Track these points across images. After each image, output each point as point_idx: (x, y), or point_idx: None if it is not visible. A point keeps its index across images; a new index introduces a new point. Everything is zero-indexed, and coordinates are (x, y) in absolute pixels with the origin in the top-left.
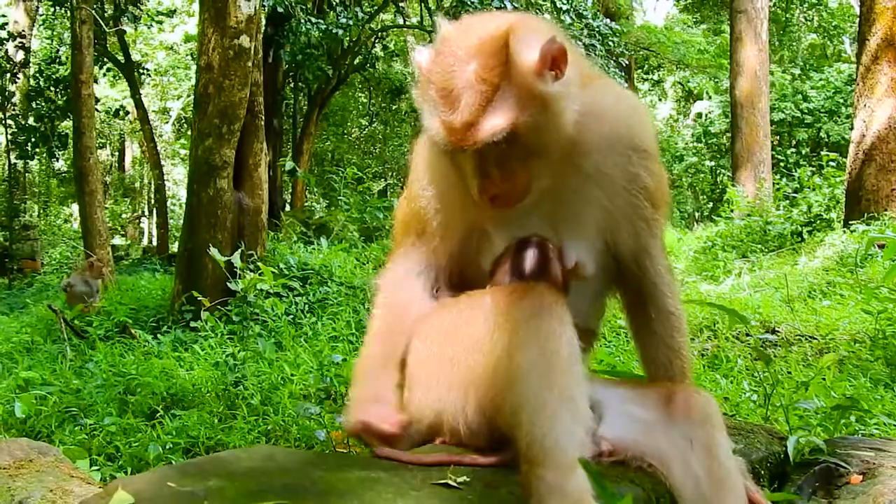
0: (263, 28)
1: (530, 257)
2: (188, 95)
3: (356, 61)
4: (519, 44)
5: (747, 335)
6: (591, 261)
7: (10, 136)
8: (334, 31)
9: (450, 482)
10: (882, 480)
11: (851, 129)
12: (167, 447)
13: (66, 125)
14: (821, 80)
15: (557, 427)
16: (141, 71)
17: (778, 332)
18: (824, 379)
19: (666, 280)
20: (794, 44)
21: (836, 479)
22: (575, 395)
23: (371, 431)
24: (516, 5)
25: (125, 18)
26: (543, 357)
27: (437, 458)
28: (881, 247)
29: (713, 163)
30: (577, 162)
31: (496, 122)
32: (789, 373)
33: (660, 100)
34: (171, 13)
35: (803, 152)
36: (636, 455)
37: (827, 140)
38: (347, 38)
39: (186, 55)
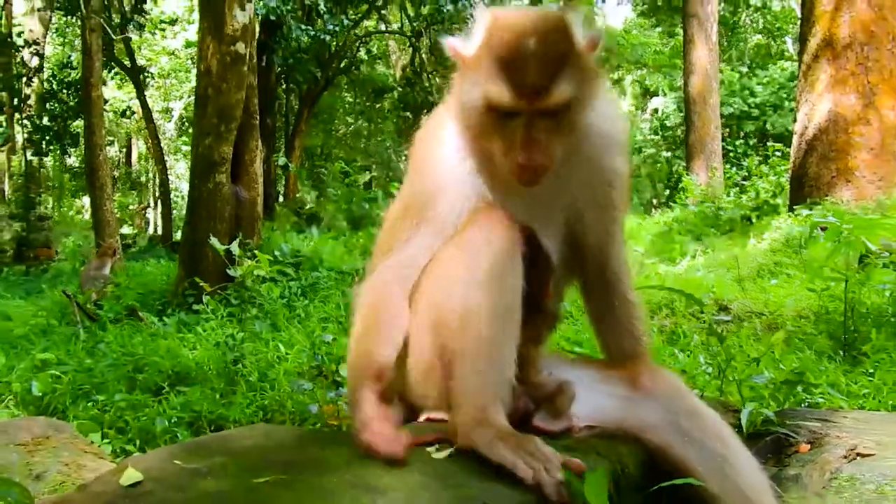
0: (257, 35)
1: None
2: (189, 97)
3: (342, 64)
4: (575, 26)
5: (702, 313)
6: (556, 249)
7: (26, 135)
8: (322, 37)
9: (434, 455)
10: (828, 449)
11: (795, 121)
12: (172, 421)
13: (78, 124)
14: (766, 77)
15: (480, 374)
16: (145, 74)
17: (730, 309)
18: (773, 353)
19: (625, 270)
20: (742, 44)
21: (785, 448)
22: (504, 348)
23: (380, 456)
24: None
25: (131, 26)
26: (490, 302)
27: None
28: (823, 229)
29: (669, 154)
30: (578, 143)
31: (564, 88)
32: (741, 347)
33: (620, 97)
34: (173, 21)
35: (751, 143)
36: (616, 427)
37: (772, 132)
38: (334, 44)
39: (187, 59)
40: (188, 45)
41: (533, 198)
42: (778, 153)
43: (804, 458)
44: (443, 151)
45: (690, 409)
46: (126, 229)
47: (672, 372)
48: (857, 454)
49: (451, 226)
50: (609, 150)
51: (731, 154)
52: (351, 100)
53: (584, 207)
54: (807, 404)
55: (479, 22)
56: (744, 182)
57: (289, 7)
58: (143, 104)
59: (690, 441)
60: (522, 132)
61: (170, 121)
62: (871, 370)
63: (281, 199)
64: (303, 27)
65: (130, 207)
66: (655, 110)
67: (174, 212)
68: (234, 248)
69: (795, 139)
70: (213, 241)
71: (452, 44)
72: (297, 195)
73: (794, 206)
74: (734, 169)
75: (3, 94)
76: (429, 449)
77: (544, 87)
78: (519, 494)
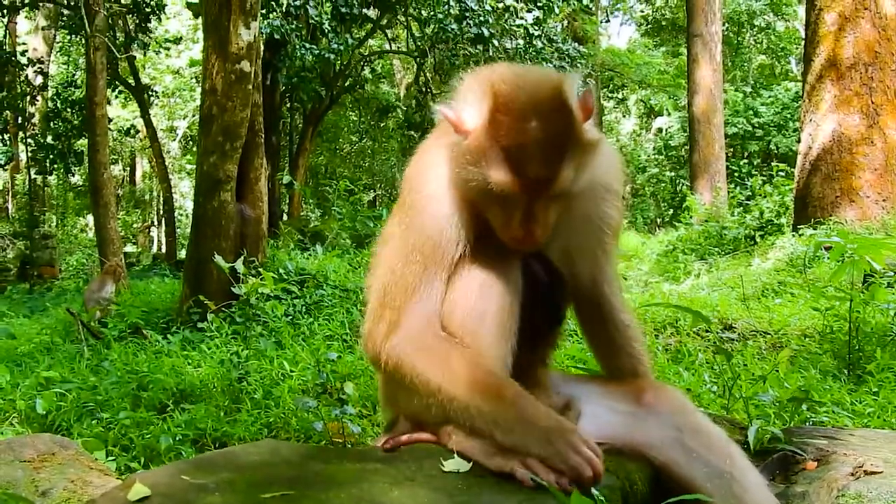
0: (262, 53)
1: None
2: (193, 115)
3: (347, 83)
4: (572, 99)
5: (707, 331)
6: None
7: (30, 154)
8: (326, 55)
9: (445, 470)
10: (835, 466)
11: (799, 141)
12: (177, 438)
13: (82, 143)
14: (770, 97)
15: None
16: (150, 93)
17: (734, 328)
18: (778, 371)
19: (620, 297)
20: (746, 64)
21: (793, 465)
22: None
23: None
24: (493, 31)
25: (135, 45)
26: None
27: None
28: (827, 249)
29: (673, 173)
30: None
31: (568, 174)
32: (745, 365)
33: (624, 116)
34: (177, 40)
35: (755, 163)
36: (622, 444)
37: (776, 152)
38: (339, 62)
39: (191, 78)
40: (192, 63)
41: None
42: (782, 173)
43: (811, 475)
44: (442, 186)
45: (695, 425)
46: (130, 247)
47: (675, 388)
48: (865, 472)
49: (456, 258)
50: (603, 201)
51: (736, 174)
52: (355, 118)
53: (575, 252)
54: (812, 423)
55: (475, 89)
56: (748, 202)
57: (293, 26)
58: (148, 123)
59: (696, 458)
60: (522, 211)
61: (174, 139)
62: (876, 389)
63: (285, 217)
64: (307, 46)
65: (134, 226)
66: (660, 130)
67: (178, 230)
68: (239, 265)
69: (799, 159)
70: (218, 258)
71: (448, 114)
72: (302, 213)
73: (798, 226)
74: (738, 188)
75: (7, 112)
76: (443, 463)
77: (550, 179)
78: None
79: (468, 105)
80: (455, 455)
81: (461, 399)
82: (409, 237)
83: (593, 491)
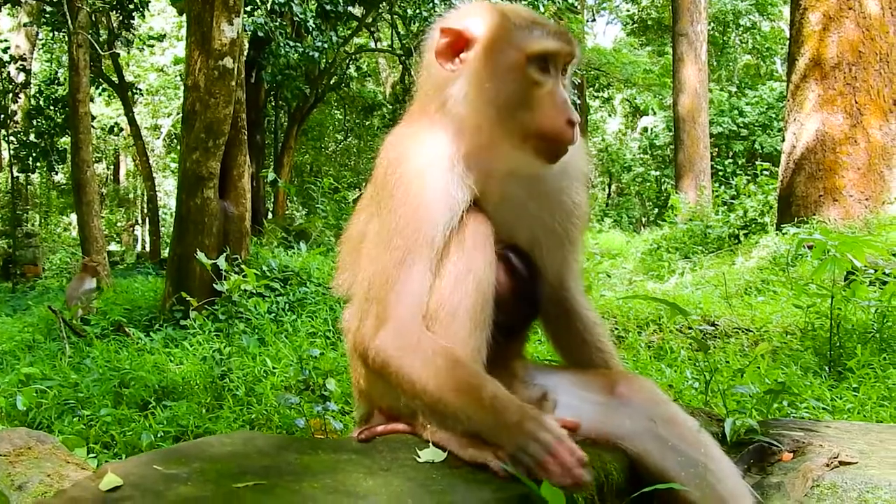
0: (246, 51)
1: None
2: (178, 113)
3: (332, 81)
4: None
5: (689, 328)
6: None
7: (12, 152)
8: (311, 53)
9: (420, 460)
10: (811, 458)
11: (783, 141)
12: (158, 435)
13: (65, 141)
14: (755, 96)
15: None
16: (134, 91)
17: (717, 325)
18: (759, 367)
19: (584, 295)
20: (731, 64)
21: (769, 456)
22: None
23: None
24: None
25: (118, 42)
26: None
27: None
28: (810, 247)
29: (658, 172)
30: (538, 178)
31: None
32: (727, 362)
33: (609, 115)
34: (161, 37)
35: (739, 162)
36: (597, 434)
37: (761, 151)
38: (324, 60)
39: (175, 76)
40: (177, 61)
41: (500, 223)
42: (766, 172)
43: (787, 466)
44: (427, 164)
45: (668, 416)
46: (114, 246)
47: (649, 379)
48: (840, 462)
49: (440, 244)
50: (572, 184)
51: (720, 173)
52: (340, 117)
53: (543, 240)
54: (793, 416)
55: (467, 11)
56: (732, 201)
57: (278, 24)
58: (132, 121)
59: (669, 448)
60: (557, 93)
61: (158, 137)
62: (856, 385)
63: (270, 215)
64: (292, 44)
65: (118, 224)
66: (645, 129)
67: (162, 229)
68: (222, 263)
69: (783, 158)
70: (201, 256)
71: (454, 25)
72: (287, 211)
73: (782, 225)
74: (723, 188)
75: None
76: (418, 454)
77: (570, 36)
78: (502, 501)
79: (468, 17)
80: (430, 445)
81: (445, 402)
82: (390, 222)
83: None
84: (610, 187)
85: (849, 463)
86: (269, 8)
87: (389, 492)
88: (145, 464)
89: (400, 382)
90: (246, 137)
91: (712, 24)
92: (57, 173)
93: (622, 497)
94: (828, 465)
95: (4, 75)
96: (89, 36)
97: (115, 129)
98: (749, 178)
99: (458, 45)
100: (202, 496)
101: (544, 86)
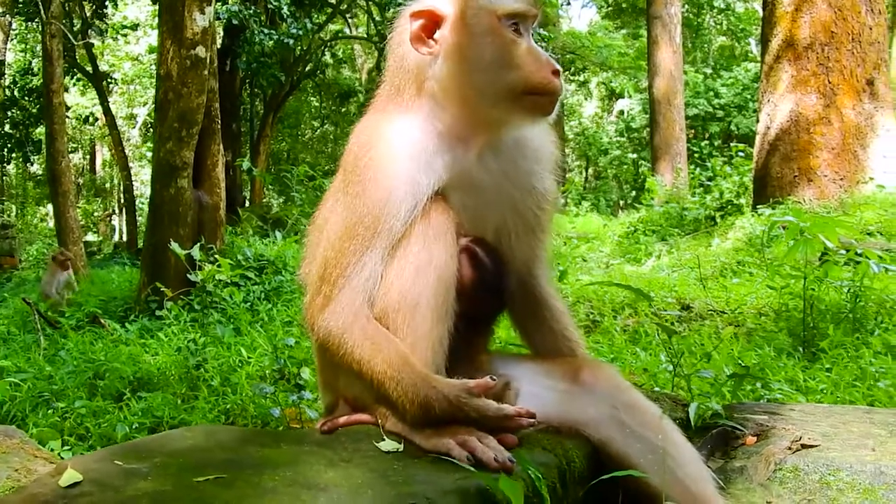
0: (221, 39)
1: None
2: (153, 102)
3: (307, 68)
4: None
5: (664, 311)
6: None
7: None
8: (286, 41)
9: (382, 448)
10: (773, 441)
11: (758, 122)
12: (134, 427)
13: (40, 132)
14: (730, 78)
15: None
16: (108, 80)
17: (692, 307)
18: (732, 350)
19: (553, 284)
20: (706, 46)
21: (732, 441)
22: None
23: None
24: None
25: (92, 32)
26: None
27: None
28: (784, 228)
29: (635, 155)
30: (514, 160)
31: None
32: (702, 345)
33: (586, 99)
34: (134, 26)
35: (715, 144)
36: (560, 422)
37: (737, 132)
38: (299, 48)
39: (151, 65)
40: (151, 50)
41: (469, 210)
42: (741, 153)
43: (750, 450)
44: (394, 151)
45: (631, 402)
46: (91, 236)
47: (611, 366)
48: (802, 445)
49: (399, 232)
50: (543, 169)
51: (696, 155)
52: (317, 104)
53: (512, 226)
54: (766, 400)
55: None
56: (708, 182)
57: (252, 11)
58: (107, 110)
59: (631, 434)
60: (535, 48)
61: (134, 127)
62: (829, 366)
63: (247, 203)
64: (266, 31)
65: (95, 214)
66: (621, 112)
67: (139, 218)
68: (196, 252)
69: (758, 139)
70: (174, 245)
71: (428, 7)
72: (264, 200)
73: (757, 206)
74: (699, 170)
75: None
76: (379, 444)
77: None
78: (463, 491)
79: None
80: (388, 436)
81: (383, 379)
82: (352, 207)
83: (529, 470)
84: (587, 171)
85: (811, 446)
86: None
87: (350, 483)
88: (106, 459)
89: (342, 359)
90: (220, 126)
91: (686, 6)
92: (32, 164)
93: (585, 483)
94: (790, 449)
95: None
96: (62, 26)
97: (91, 119)
98: (725, 159)
99: (430, 26)
100: (162, 490)
101: (521, 44)
